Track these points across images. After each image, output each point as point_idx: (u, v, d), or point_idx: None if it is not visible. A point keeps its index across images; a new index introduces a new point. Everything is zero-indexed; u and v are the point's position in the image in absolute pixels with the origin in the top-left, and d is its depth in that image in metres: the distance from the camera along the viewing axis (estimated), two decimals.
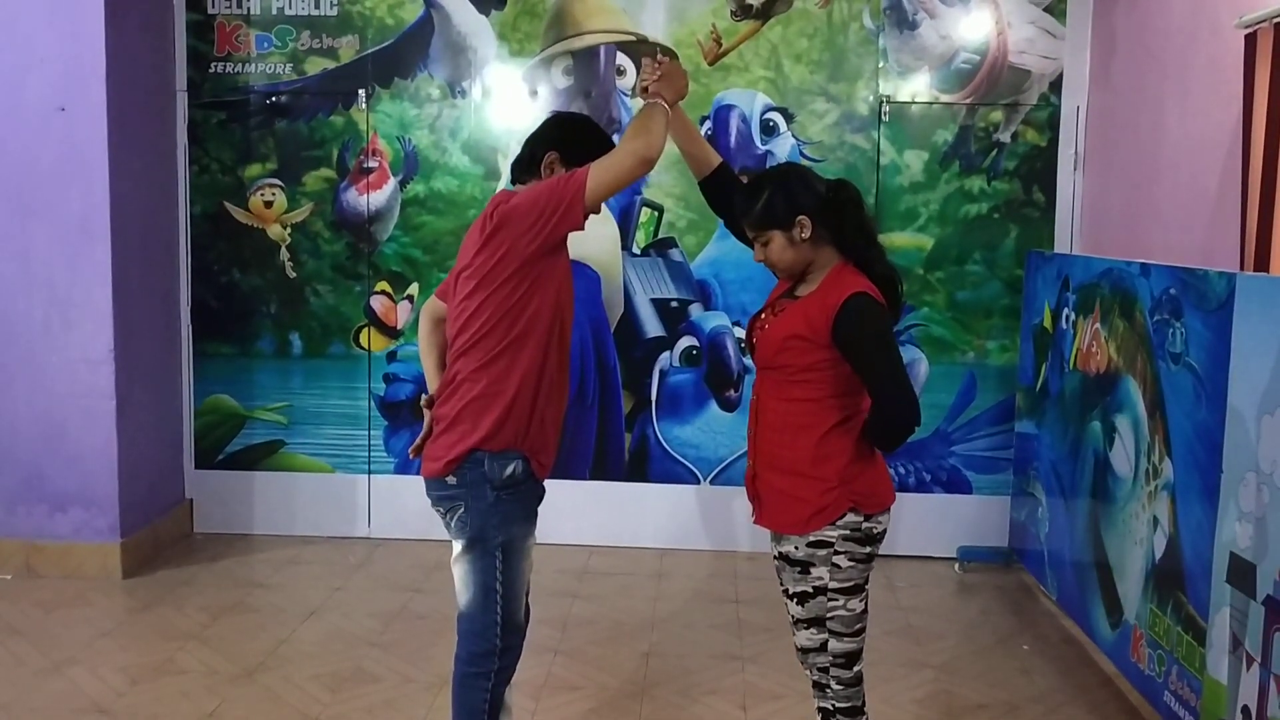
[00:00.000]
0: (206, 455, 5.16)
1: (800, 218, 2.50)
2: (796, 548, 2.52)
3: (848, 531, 2.50)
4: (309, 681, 3.63)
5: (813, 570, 2.52)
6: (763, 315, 2.65)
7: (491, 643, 2.59)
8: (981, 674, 3.79)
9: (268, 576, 4.63)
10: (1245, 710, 2.66)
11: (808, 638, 2.57)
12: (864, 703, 2.62)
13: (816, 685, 2.61)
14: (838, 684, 2.57)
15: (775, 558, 2.61)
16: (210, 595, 4.39)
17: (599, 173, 2.43)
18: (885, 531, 2.58)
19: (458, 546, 2.60)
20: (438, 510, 2.62)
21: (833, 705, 2.59)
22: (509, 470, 2.54)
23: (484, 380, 2.52)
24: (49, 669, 3.68)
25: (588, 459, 5.06)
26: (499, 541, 2.55)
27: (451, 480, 2.55)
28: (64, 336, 4.46)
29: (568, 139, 2.65)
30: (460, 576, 2.60)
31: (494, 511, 2.54)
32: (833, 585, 2.52)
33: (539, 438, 2.59)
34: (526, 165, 2.66)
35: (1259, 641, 2.60)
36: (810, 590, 2.53)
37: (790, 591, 2.57)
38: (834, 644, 2.55)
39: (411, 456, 2.73)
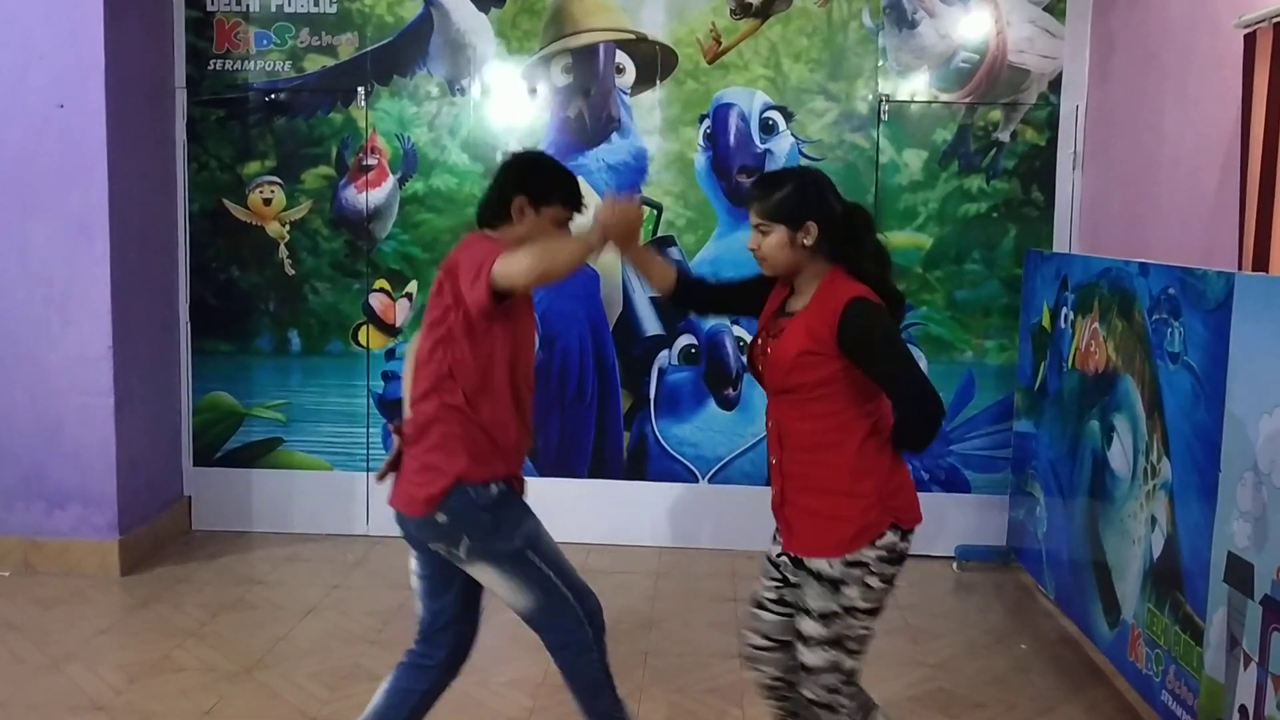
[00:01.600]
0: (205, 452, 5.16)
1: (810, 222, 2.46)
2: (830, 565, 2.44)
3: (884, 552, 2.44)
4: (307, 679, 3.64)
5: (844, 589, 2.43)
6: (760, 340, 2.60)
7: (575, 617, 2.63)
8: (979, 673, 3.79)
9: (266, 574, 4.63)
10: (1243, 710, 2.66)
11: (822, 657, 2.46)
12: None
13: (817, 704, 2.50)
14: (846, 698, 2.49)
15: (792, 571, 2.53)
16: (208, 593, 4.39)
17: (502, 266, 2.40)
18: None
19: (489, 573, 2.59)
20: (436, 549, 2.61)
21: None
22: (493, 491, 2.57)
23: (452, 420, 2.54)
24: (47, 666, 3.69)
25: (586, 457, 5.06)
26: (520, 546, 2.58)
27: (441, 518, 2.54)
28: (62, 333, 4.46)
29: (534, 180, 2.64)
30: (511, 591, 2.60)
31: (499, 525, 2.57)
32: (862, 606, 2.45)
33: (515, 464, 2.65)
34: (495, 209, 2.64)
35: (1256, 641, 2.60)
36: (839, 610, 2.44)
37: (814, 610, 2.46)
38: (847, 662, 2.48)
39: (378, 480, 2.72)
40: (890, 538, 2.44)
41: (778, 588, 2.60)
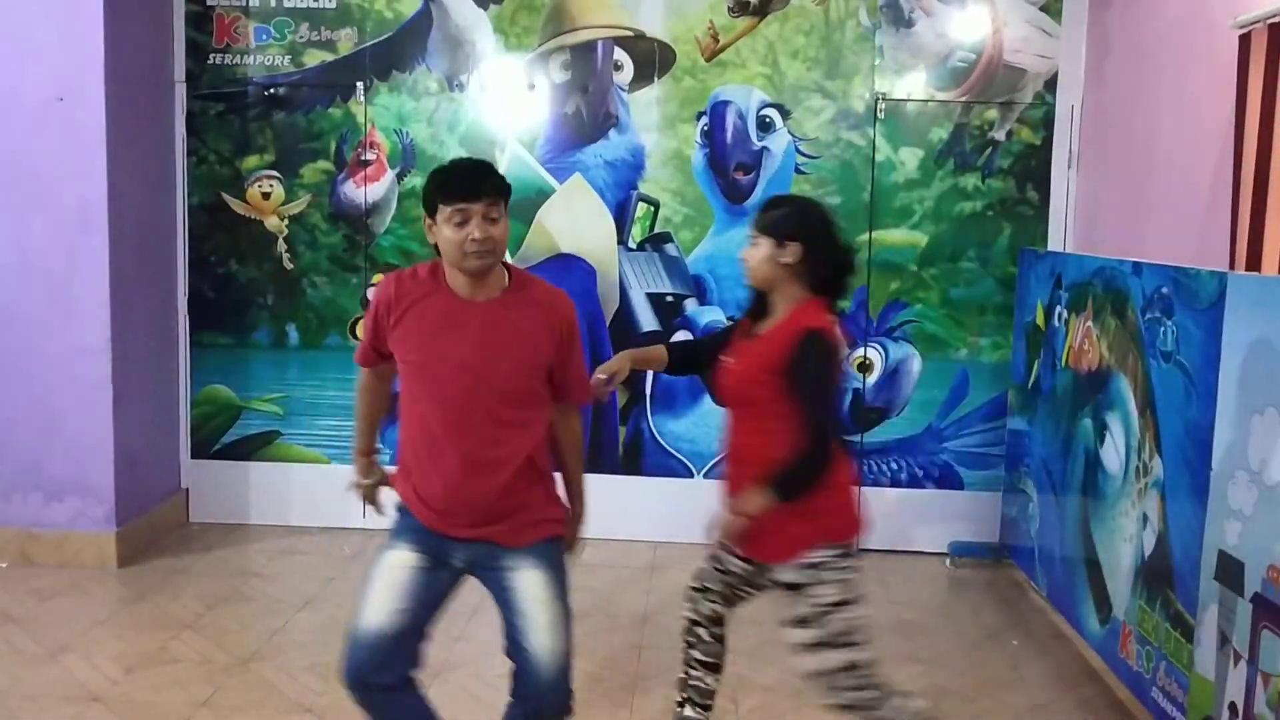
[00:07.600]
0: (202, 445, 5.17)
1: (793, 243, 2.59)
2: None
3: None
4: (303, 671, 3.65)
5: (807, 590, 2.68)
6: (725, 360, 2.77)
7: None
8: (971, 669, 3.81)
9: (263, 566, 4.65)
10: (1232, 707, 2.69)
11: (829, 659, 2.66)
12: None
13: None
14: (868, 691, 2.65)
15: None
16: (205, 585, 4.41)
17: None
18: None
19: None
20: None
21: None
22: None
23: None
24: (44, 657, 3.70)
25: (582, 452, 5.06)
26: None
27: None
28: (61, 326, 4.46)
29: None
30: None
31: None
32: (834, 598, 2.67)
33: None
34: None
35: (1246, 638, 2.62)
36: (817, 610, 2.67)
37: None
38: (847, 655, 2.64)
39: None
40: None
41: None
